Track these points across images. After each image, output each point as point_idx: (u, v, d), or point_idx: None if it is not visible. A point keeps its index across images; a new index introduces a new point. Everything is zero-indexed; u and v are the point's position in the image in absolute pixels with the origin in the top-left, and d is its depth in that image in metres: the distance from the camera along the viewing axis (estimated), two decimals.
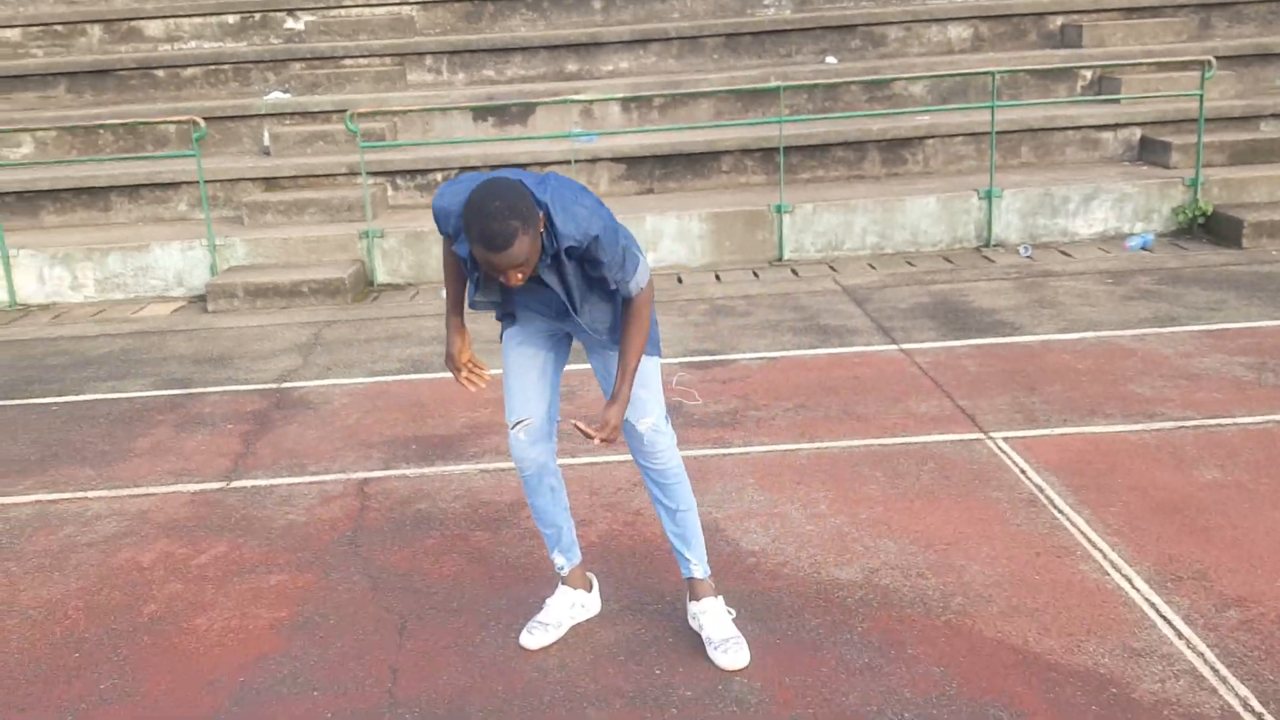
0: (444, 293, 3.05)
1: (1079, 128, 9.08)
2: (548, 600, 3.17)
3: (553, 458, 3.07)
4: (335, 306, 7.35)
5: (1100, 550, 3.48)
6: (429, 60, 10.51)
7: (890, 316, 6.32)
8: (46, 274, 7.87)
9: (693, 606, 3.08)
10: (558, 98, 9.06)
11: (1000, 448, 4.36)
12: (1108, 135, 9.07)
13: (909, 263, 7.74)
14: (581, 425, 2.69)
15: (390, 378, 5.69)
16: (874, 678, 2.86)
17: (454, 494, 4.17)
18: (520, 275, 2.52)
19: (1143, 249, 7.81)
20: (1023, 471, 4.12)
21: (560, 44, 10.46)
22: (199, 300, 7.74)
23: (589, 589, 3.23)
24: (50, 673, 3.07)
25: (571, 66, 10.49)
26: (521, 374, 2.97)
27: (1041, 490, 3.94)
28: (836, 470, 4.20)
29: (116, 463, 4.66)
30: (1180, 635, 2.99)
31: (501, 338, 3.01)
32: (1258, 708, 2.66)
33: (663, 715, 2.74)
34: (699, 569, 3.08)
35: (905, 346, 5.73)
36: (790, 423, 4.72)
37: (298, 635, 3.19)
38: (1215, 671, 2.82)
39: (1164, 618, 3.08)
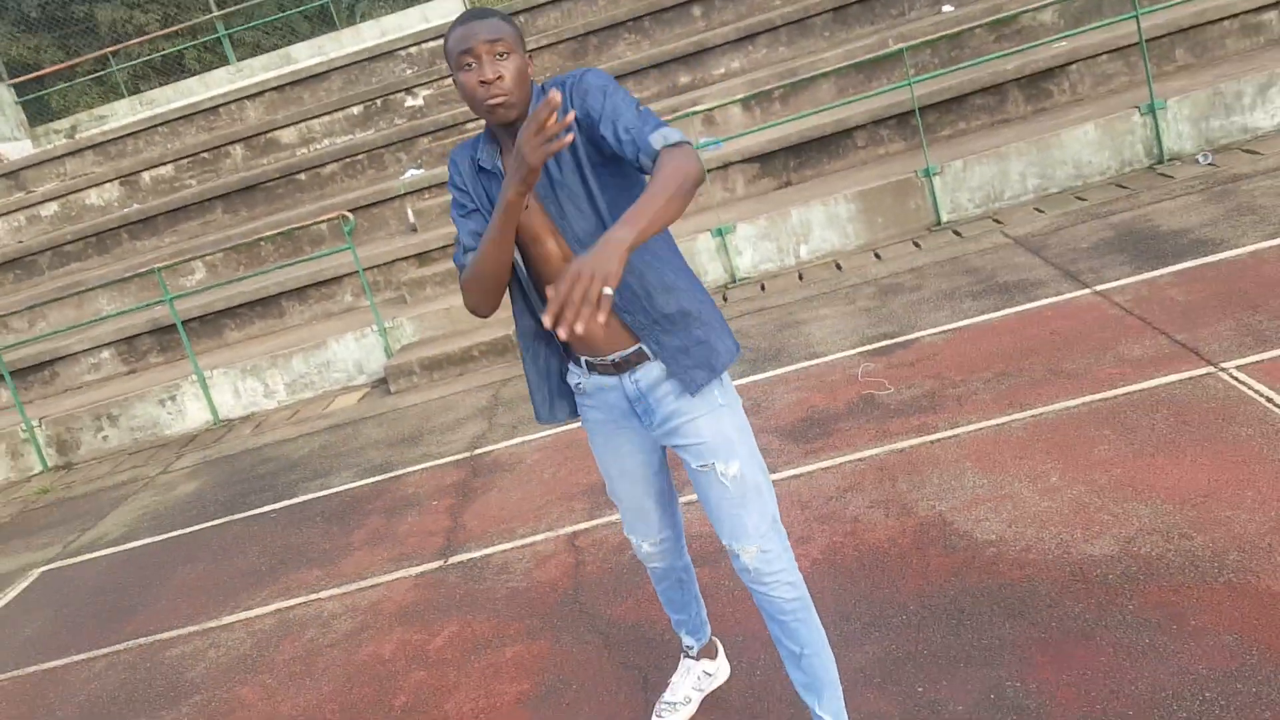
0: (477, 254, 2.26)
1: (1234, 15, 8.39)
2: (672, 679, 2.98)
3: (682, 555, 2.79)
4: (506, 364, 7.46)
5: None
6: None
7: (1074, 259, 5.92)
8: (240, 387, 8.30)
9: None
10: (677, 113, 8.99)
11: (1236, 379, 3.98)
12: (1269, 16, 8.33)
13: (1078, 198, 7.27)
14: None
15: (575, 425, 5.70)
16: (1159, 659, 2.61)
17: None
18: (502, 75, 2.12)
19: None
20: (1269, 401, 3.74)
21: (667, 59, 10.41)
22: (381, 383, 8.00)
23: (714, 656, 3.02)
24: None
25: (684, 78, 10.41)
26: (627, 489, 2.59)
27: None
28: (1059, 436, 3.92)
29: (340, 559, 4.82)
30: None
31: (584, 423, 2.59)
32: None
33: None
34: None
35: (1100, 288, 5.35)
36: (995, 394, 4.46)
37: (544, 705, 3.17)
38: None
39: None
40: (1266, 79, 7.39)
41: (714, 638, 3.06)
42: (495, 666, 3.48)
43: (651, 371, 2.37)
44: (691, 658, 2.98)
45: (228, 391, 8.32)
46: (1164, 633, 2.70)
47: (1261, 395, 3.79)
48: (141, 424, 8.37)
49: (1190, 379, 4.09)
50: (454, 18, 12.94)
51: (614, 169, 2.25)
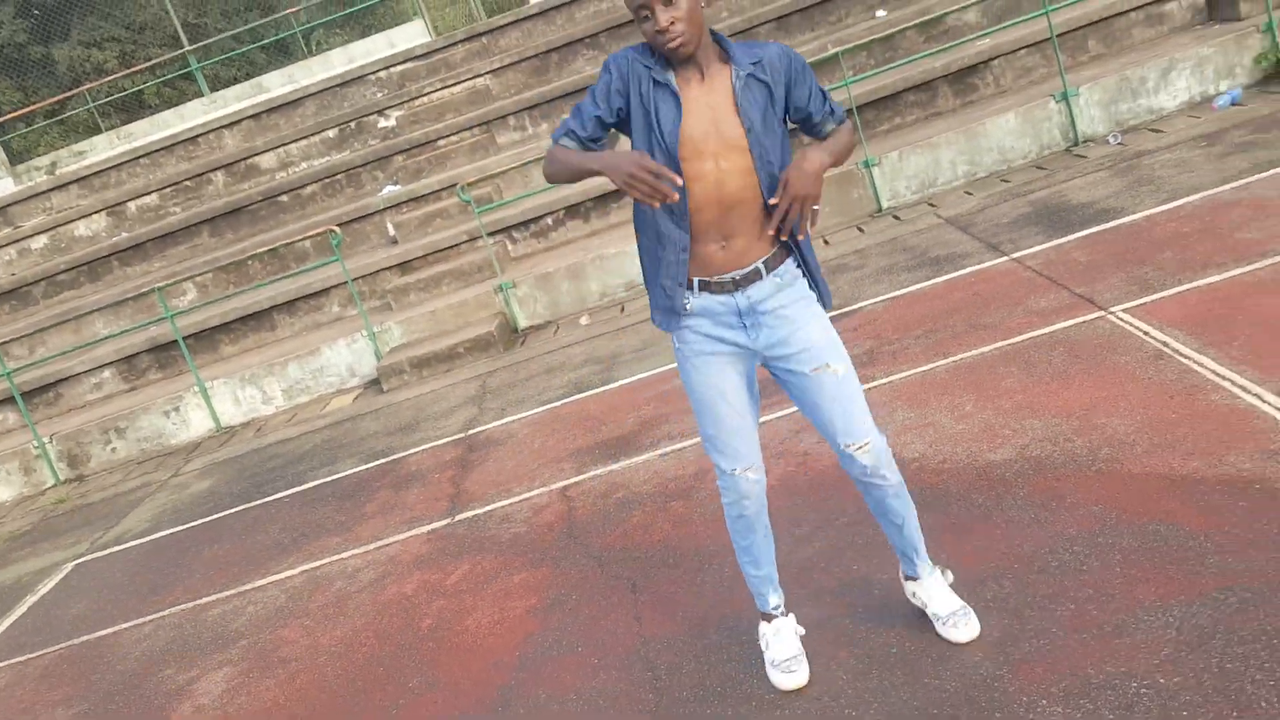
0: (571, 159, 2.63)
1: (1140, 6, 9.17)
2: (779, 640, 3.00)
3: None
4: (490, 358, 8.07)
5: (1229, 380, 3.80)
6: (512, 120, 11.28)
7: (996, 233, 6.63)
8: (240, 395, 8.86)
9: (911, 586, 3.01)
10: None
11: (1121, 319, 4.68)
12: (1171, 6, 9.13)
13: (1003, 180, 8.00)
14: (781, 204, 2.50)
15: (558, 403, 6.33)
16: (1041, 527, 3.27)
17: (643, 479, 4.74)
18: (675, 21, 2.45)
19: (1233, 105, 7.87)
20: (1145, 334, 4.44)
21: None
22: (374, 384, 8.59)
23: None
24: (366, 686, 3.75)
25: None
26: (728, 410, 2.78)
27: (1166, 345, 4.26)
28: (974, 376, 4.60)
29: (356, 527, 5.41)
30: None
31: (676, 350, 2.81)
32: None
33: (870, 597, 3.22)
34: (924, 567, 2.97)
35: (1015, 255, 6.05)
36: (923, 348, 5.13)
37: (551, 613, 3.79)
38: None
39: None
40: (1168, 64, 8.16)
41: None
42: (505, 590, 4.10)
43: (764, 288, 2.65)
44: (781, 615, 3.03)
45: (228, 400, 8.87)
46: (1045, 509, 3.37)
47: (1140, 330, 4.49)
48: (148, 435, 8.89)
49: (1084, 322, 4.78)
50: (418, 43, 13.54)
51: (781, 121, 2.65)
